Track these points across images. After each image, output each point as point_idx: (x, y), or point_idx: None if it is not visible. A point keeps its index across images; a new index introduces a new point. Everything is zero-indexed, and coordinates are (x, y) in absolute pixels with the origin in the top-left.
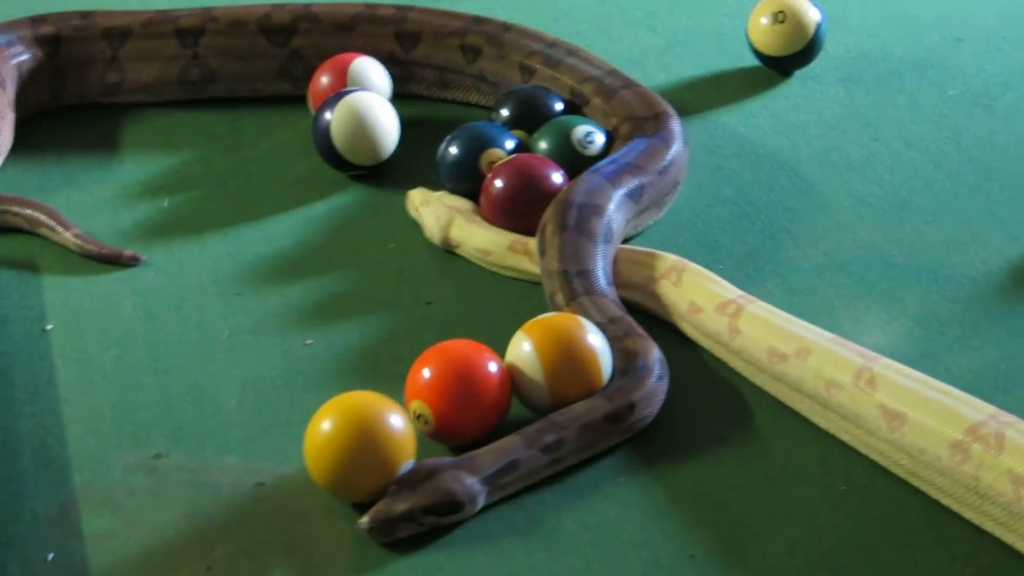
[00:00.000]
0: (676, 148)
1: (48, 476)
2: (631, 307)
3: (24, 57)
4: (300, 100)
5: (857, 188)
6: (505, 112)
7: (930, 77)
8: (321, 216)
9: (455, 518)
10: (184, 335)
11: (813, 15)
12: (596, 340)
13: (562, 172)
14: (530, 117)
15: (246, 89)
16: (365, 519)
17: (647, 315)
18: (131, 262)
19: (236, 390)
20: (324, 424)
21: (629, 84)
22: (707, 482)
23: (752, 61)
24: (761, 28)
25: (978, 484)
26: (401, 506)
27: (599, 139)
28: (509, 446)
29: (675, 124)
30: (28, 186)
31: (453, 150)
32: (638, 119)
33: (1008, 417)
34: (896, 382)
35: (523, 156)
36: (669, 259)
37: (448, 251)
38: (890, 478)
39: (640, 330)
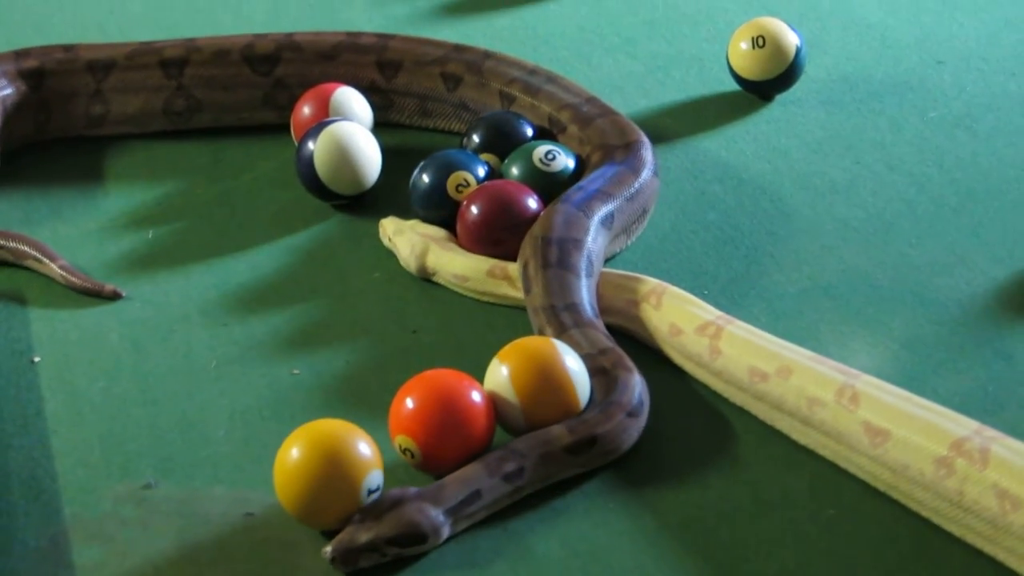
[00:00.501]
0: (645, 176)
1: (38, 508)
2: (615, 332)
3: (8, 91)
4: (285, 129)
5: (840, 211)
6: (476, 138)
7: (911, 100)
8: (305, 246)
9: (418, 549)
10: (171, 366)
11: (792, 39)
12: (572, 363)
13: (536, 197)
14: (501, 143)
15: (232, 118)
16: (328, 548)
17: (631, 339)
18: (112, 296)
19: (224, 420)
20: (290, 453)
21: (606, 112)
22: (696, 508)
23: (733, 86)
24: (741, 53)
25: (962, 499)
26: (364, 536)
27: (561, 156)
28: (472, 475)
29: (645, 153)
30: (13, 219)
31: (424, 178)
32: (609, 147)
33: (992, 432)
34: (879, 399)
35: (498, 182)
36: (649, 282)
37: (425, 279)
38: (879, 502)
39: (628, 362)
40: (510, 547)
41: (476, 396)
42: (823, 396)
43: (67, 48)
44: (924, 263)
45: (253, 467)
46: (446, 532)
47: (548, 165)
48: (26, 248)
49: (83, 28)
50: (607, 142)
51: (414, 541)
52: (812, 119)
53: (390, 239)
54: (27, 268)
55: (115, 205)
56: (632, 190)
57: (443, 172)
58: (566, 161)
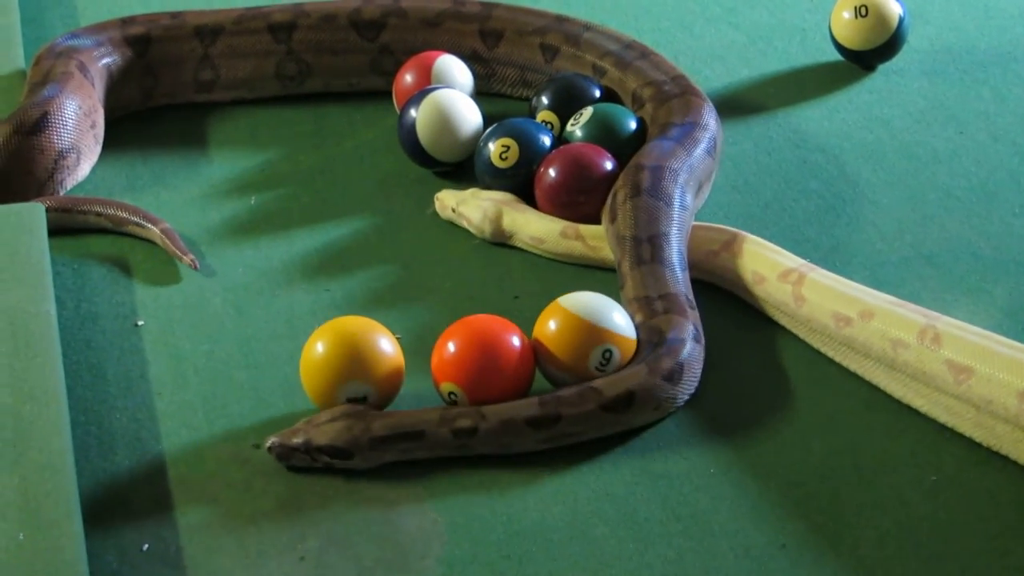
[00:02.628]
0: (696, 154)
1: (143, 469)
2: (697, 283)
3: (113, 58)
4: (387, 96)
5: (943, 181)
6: (545, 99)
7: (1015, 70)
8: (407, 212)
9: (345, 464)
10: (274, 330)
11: (895, 9)
12: (618, 319)
13: (612, 158)
14: (568, 104)
15: (342, 84)
16: (272, 438)
17: (719, 291)
18: (190, 265)
19: None
20: (315, 344)
21: (686, 91)
22: (797, 473)
23: (835, 56)
24: (844, 22)
25: None
26: (299, 438)
27: (586, 112)
28: (423, 418)
29: (698, 132)
30: (117, 185)
31: (490, 147)
32: (667, 124)
33: None
34: (961, 338)
35: (575, 145)
36: (727, 231)
37: (500, 244)
38: (981, 469)
39: (666, 365)
40: (612, 511)
41: (515, 339)
42: (906, 338)
43: (174, 15)
44: None
45: None
46: (375, 458)
47: (577, 121)
48: (125, 214)
49: None
50: (670, 120)
51: (339, 455)
52: (915, 89)
53: (453, 210)
54: (128, 234)
55: (218, 172)
56: (684, 164)
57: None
58: (589, 113)
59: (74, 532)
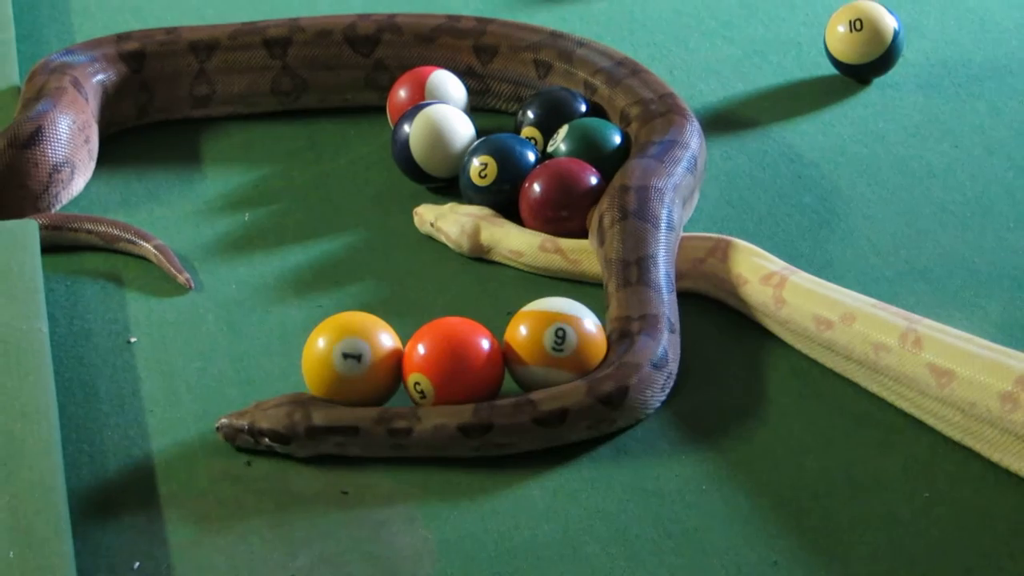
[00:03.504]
0: (678, 172)
1: (134, 486)
2: (689, 295)
3: (108, 74)
4: (381, 112)
5: (938, 195)
6: (531, 114)
7: (1010, 83)
8: (401, 228)
9: (285, 450)
10: (267, 346)
11: (890, 22)
12: (589, 325)
13: (597, 174)
14: (553, 119)
15: (337, 99)
16: (223, 418)
17: (707, 300)
18: (185, 284)
19: None
20: (318, 340)
21: (670, 110)
22: (790, 489)
23: (830, 70)
24: (838, 36)
25: None
26: (245, 420)
27: (562, 130)
28: (360, 415)
29: (679, 151)
30: (111, 202)
31: (474, 162)
32: (646, 143)
33: None
34: (942, 340)
35: (558, 160)
36: (713, 238)
37: (478, 258)
38: (973, 485)
39: (605, 387)
40: (603, 528)
41: (482, 339)
42: (887, 341)
43: (169, 31)
44: (1022, 247)
45: None
46: (311, 448)
47: (556, 140)
48: (117, 231)
49: (181, 13)
50: (650, 139)
51: (279, 439)
52: (910, 103)
53: (432, 225)
54: (120, 251)
55: (212, 188)
56: (668, 182)
57: (494, 157)
58: (565, 131)
59: (64, 551)
